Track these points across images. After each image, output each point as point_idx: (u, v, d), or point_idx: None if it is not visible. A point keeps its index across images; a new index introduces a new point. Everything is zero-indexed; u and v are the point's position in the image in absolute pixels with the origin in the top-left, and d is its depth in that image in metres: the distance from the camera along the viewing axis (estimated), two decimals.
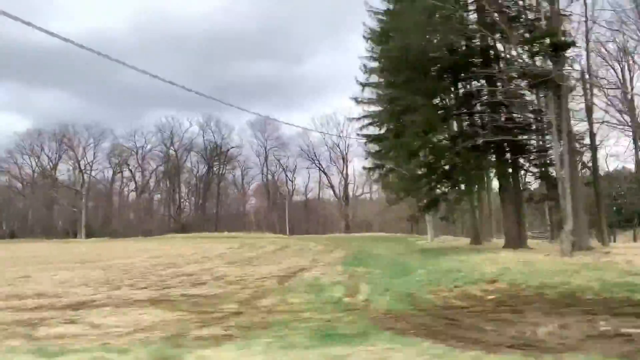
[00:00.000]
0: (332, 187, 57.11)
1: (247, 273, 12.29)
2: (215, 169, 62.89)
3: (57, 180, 69.10)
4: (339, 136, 56.22)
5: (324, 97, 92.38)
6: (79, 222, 64.77)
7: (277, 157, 62.01)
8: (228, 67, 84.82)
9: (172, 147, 62.31)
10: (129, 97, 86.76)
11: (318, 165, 57.34)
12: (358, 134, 34.49)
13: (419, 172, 16.75)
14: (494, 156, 16.71)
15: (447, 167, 16.25)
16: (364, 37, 32.56)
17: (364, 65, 32.77)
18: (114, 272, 14.37)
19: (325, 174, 57.57)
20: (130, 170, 63.61)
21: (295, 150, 61.00)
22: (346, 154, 55.42)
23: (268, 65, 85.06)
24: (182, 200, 61.67)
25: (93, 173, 69.56)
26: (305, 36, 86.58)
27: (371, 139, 33.02)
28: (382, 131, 33.53)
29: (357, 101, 33.23)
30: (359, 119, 33.11)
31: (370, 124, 33.11)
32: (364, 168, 37.30)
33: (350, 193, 59.34)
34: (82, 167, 68.28)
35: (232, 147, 61.46)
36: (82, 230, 62.64)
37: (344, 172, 55.55)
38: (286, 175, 62.75)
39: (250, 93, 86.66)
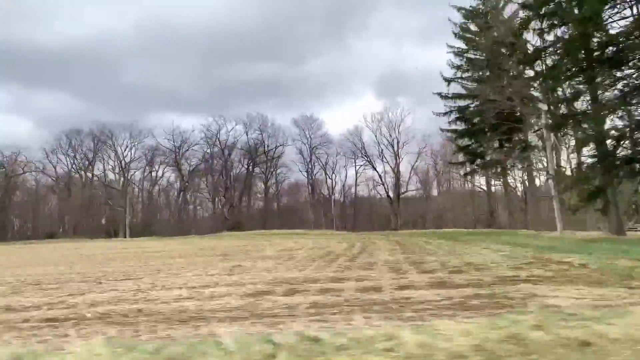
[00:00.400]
0: (383, 184, 57.16)
1: (484, 261, 12.09)
2: (259, 167, 62.92)
3: (99, 180, 69.02)
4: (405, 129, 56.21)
5: (325, 98, 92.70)
6: (123, 222, 64.61)
7: (319, 155, 62.18)
8: (230, 67, 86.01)
9: (216, 146, 62.31)
10: (129, 100, 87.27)
11: (372, 163, 57.38)
12: (442, 130, 34.50)
13: (590, 162, 16.71)
14: None
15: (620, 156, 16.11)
16: (453, 34, 32.96)
17: (451, 61, 33.21)
18: (296, 262, 14.19)
19: (376, 171, 57.62)
20: (179, 169, 63.35)
21: (337, 148, 61.29)
22: (399, 150, 55.44)
23: (270, 65, 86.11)
24: (232, 199, 61.50)
25: (131, 172, 69.78)
26: (307, 37, 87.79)
27: (460, 133, 33.08)
28: (465, 126, 33.79)
29: (442, 96, 33.40)
30: (445, 113, 33.12)
31: (458, 118, 33.21)
32: (451, 163, 37.29)
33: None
34: (123, 167, 68.25)
35: (279, 145, 61.56)
36: (127, 229, 62.47)
37: (396, 169, 55.54)
38: (325, 173, 62.80)
39: (252, 93, 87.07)
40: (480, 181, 37.63)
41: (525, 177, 31.19)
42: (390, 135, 55.22)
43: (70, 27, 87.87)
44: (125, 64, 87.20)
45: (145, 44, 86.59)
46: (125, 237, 60.78)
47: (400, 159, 54.87)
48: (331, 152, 61.90)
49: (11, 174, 73.41)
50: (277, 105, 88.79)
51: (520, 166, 29.79)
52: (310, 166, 61.80)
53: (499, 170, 32.09)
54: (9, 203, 72.26)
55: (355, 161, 60.24)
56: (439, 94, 33.17)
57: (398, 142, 54.81)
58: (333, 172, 62.35)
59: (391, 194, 55.76)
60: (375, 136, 55.87)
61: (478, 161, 32.53)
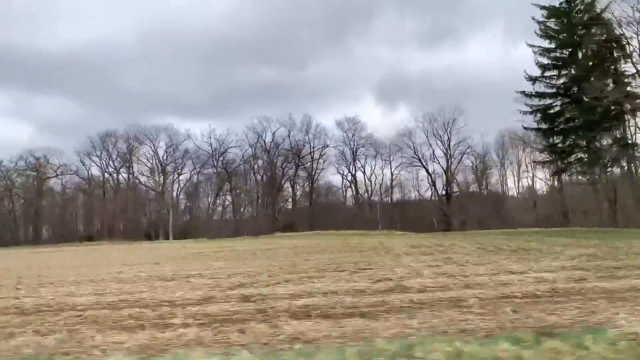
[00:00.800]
0: (434, 184, 57.14)
1: None
2: (302, 168, 62.83)
3: (139, 181, 68.70)
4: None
5: (325, 102, 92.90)
6: (163, 224, 64.18)
7: (360, 156, 62.13)
8: (231, 73, 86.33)
9: (259, 147, 62.19)
10: (130, 104, 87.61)
11: (424, 164, 57.37)
12: (526, 128, 34.50)
13: None
14: None
15: None
16: (536, 33, 33.02)
17: (537, 61, 33.25)
18: (466, 256, 13.98)
19: (427, 171, 57.53)
20: (227, 171, 63.18)
21: (377, 149, 61.33)
22: (452, 151, 55.46)
23: (271, 70, 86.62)
24: (280, 201, 61.46)
25: (169, 174, 69.22)
26: (308, 42, 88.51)
27: (547, 132, 33.07)
28: (548, 125, 33.74)
29: (526, 94, 33.44)
30: (531, 112, 33.11)
31: (543, 117, 33.21)
32: (535, 162, 37.33)
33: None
34: (162, 169, 67.84)
35: (327, 146, 61.52)
36: (170, 231, 62.09)
37: (449, 169, 55.50)
38: (364, 174, 62.70)
39: (253, 98, 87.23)
40: (554, 180, 37.50)
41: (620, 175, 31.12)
42: (442, 136, 55.41)
43: (72, 32, 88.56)
44: (126, 69, 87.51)
45: (146, 49, 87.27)
46: (168, 239, 60.34)
47: (453, 159, 55.01)
48: (370, 153, 62.03)
49: (43, 176, 72.92)
50: (277, 109, 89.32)
51: (619, 163, 29.81)
52: (353, 167, 61.84)
53: (584, 168, 32.03)
54: (41, 206, 71.87)
55: (390, 163, 60.52)
56: (523, 92, 33.29)
57: (449, 142, 54.94)
58: (372, 173, 62.33)
59: (443, 195, 55.83)
60: (427, 137, 55.89)
61: (565, 160, 32.51)
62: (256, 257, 18.29)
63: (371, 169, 61.93)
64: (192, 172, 67.43)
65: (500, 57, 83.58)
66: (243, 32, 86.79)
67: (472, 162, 56.54)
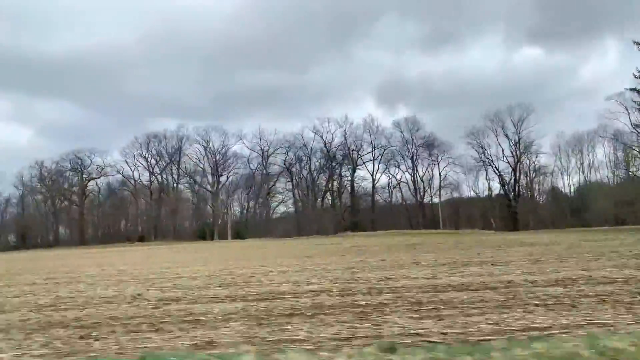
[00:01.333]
0: (503, 184, 56.59)
1: None
2: (364, 167, 62.46)
3: (195, 182, 67.78)
4: None
5: (325, 105, 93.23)
6: (217, 224, 63.55)
7: (419, 155, 61.79)
8: (233, 76, 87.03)
9: (320, 146, 61.89)
10: (132, 107, 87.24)
11: (495, 164, 56.98)
12: (637, 125, 34.27)
13: None
14: None
15: None
16: None
17: None
18: None
19: (497, 172, 57.07)
20: (290, 170, 62.76)
21: (433, 149, 61.02)
22: (521, 150, 55.01)
23: (273, 73, 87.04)
24: (344, 202, 61.08)
25: (221, 176, 68.55)
26: (310, 46, 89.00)
27: None
28: None
29: (638, 91, 33.32)
30: None
31: None
32: None
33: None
34: (215, 169, 67.12)
35: (390, 146, 61.19)
36: (229, 231, 61.53)
37: (517, 168, 55.05)
38: (417, 173, 62.35)
39: (255, 101, 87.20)
40: None
41: None
42: (508, 136, 55.18)
43: (73, 35, 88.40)
44: (129, 73, 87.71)
45: (149, 54, 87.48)
46: (226, 239, 59.75)
47: (522, 159, 54.68)
48: (425, 154, 61.66)
49: (87, 177, 72.03)
50: (278, 112, 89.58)
51: None
52: (411, 167, 61.52)
53: None
54: (85, 207, 71.02)
55: (438, 163, 60.37)
56: (634, 90, 33.13)
57: (519, 141, 54.53)
58: (425, 172, 61.90)
59: (511, 194, 55.43)
60: (496, 136, 55.58)
61: None
62: (410, 251, 17.60)
63: (423, 168, 61.86)
64: (242, 172, 67.09)
65: (500, 60, 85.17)
66: (245, 35, 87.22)
67: (539, 162, 56.12)
